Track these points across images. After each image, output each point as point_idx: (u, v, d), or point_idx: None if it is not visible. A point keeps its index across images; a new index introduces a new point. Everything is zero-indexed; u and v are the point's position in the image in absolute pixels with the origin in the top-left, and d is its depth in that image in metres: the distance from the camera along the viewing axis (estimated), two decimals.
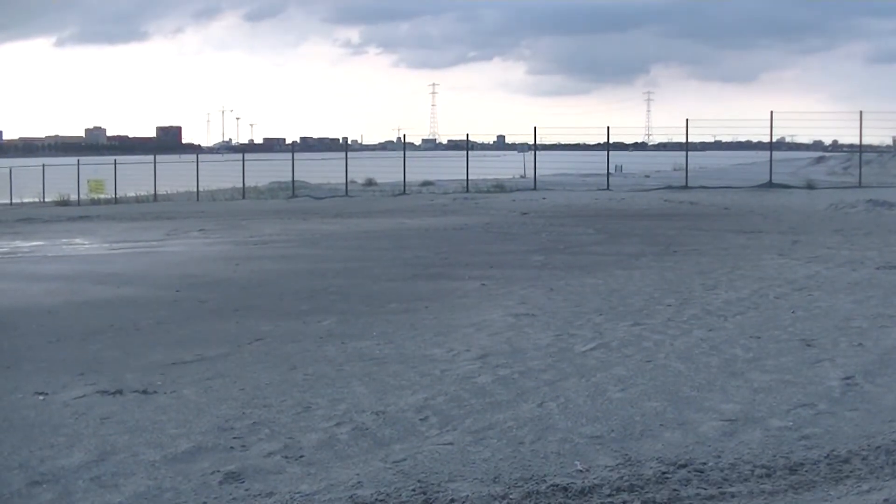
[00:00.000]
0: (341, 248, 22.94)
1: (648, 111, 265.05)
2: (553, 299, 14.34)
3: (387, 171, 53.73)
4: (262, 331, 12.41)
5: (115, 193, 54.56)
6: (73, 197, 54.77)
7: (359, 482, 6.53)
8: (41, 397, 9.16)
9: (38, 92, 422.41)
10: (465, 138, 53.96)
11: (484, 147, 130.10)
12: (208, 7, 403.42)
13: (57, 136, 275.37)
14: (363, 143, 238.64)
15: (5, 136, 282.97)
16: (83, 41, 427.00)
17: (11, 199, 58.85)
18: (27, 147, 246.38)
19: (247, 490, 6.51)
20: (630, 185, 46.47)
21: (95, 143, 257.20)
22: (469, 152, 50.48)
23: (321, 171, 54.73)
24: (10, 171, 59.24)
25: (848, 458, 6.77)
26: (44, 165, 62.49)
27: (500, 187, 45.76)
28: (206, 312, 14.13)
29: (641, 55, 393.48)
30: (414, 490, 6.36)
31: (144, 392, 9.28)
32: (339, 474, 6.73)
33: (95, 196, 55.13)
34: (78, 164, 58.71)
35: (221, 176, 54.86)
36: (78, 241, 27.67)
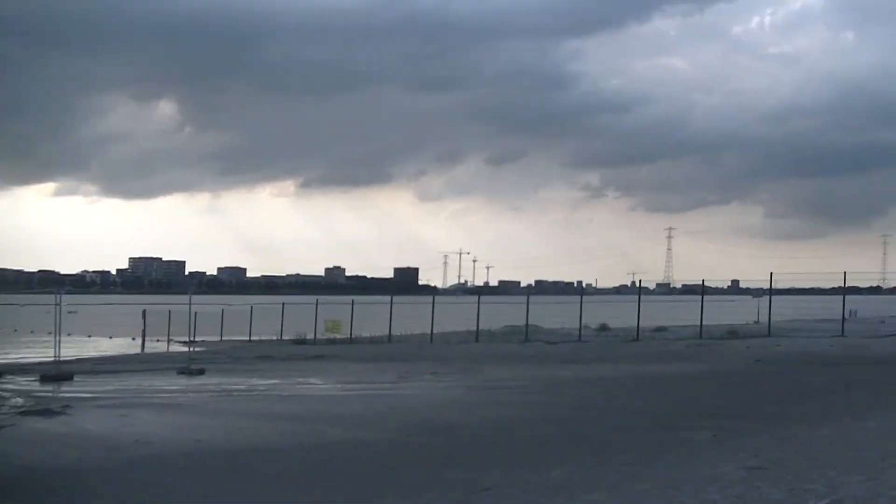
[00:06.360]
0: (572, 395, 22.86)
1: (884, 255, 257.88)
2: (786, 451, 13.98)
3: (620, 316, 53.29)
4: (492, 479, 12.32)
5: (351, 333, 55.48)
6: (310, 335, 55.92)
7: None
8: None
9: (282, 231, 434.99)
10: (699, 283, 53.32)
11: (718, 291, 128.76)
12: (450, 151, 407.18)
13: (298, 275, 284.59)
14: (597, 286, 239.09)
15: (249, 274, 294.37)
16: (326, 183, 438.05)
17: (251, 336, 60.60)
18: (269, 284, 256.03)
19: None
20: (864, 330, 45.06)
21: (334, 283, 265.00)
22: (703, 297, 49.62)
23: (555, 316, 54.53)
24: (252, 308, 61.19)
25: None
26: (283, 304, 64.16)
27: (733, 333, 44.82)
28: (436, 458, 14.24)
29: (879, 197, 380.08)
30: None
31: None
32: None
33: (332, 335, 56.16)
34: (316, 303, 60.15)
35: (455, 318, 55.05)
36: (312, 380, 28.37)
